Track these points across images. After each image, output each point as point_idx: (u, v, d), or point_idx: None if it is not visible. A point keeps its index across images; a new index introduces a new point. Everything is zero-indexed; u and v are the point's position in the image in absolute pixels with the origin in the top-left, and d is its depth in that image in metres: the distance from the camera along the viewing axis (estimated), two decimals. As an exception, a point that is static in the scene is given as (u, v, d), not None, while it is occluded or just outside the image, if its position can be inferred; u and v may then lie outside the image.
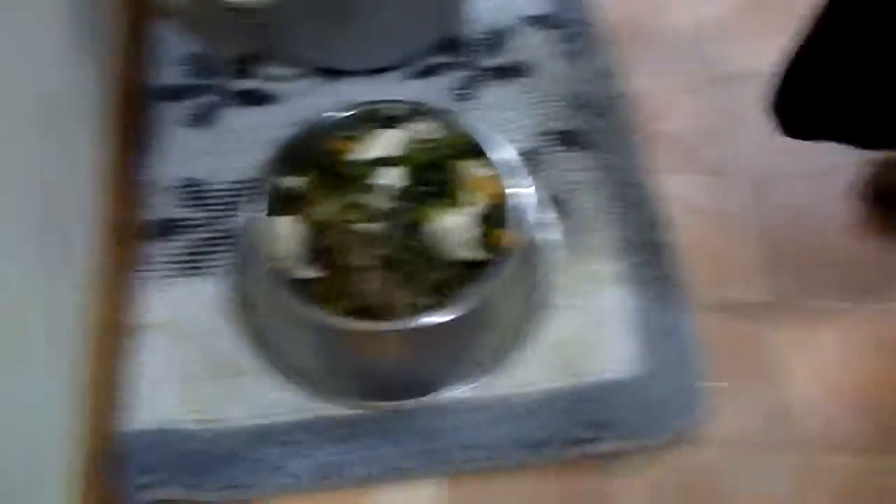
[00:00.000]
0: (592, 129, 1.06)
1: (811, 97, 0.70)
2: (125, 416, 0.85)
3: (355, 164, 0.87)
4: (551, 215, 0.99)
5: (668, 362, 0.88)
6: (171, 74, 1.11)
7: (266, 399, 0.87)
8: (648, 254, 0.96)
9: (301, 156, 0.93)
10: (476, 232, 0.85)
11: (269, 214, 0.89)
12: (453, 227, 0.83)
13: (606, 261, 0.95)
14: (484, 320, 0.86)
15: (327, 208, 0.87)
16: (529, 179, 0.91)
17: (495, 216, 0.88)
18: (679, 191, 1.03)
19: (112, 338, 0.88)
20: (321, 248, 0.86)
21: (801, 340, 0.93)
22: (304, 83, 1.11)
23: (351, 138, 0.91)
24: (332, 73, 1.11)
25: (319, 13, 1.06)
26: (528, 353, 0.89)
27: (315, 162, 0.92)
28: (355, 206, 0.86)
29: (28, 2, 0.81)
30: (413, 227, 0.84)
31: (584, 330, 0.90)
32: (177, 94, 1.10)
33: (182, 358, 0.89)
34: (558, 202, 1.00)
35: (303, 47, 1.11)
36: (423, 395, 0.86)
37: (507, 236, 0.85)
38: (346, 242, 0.85)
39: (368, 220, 0.84)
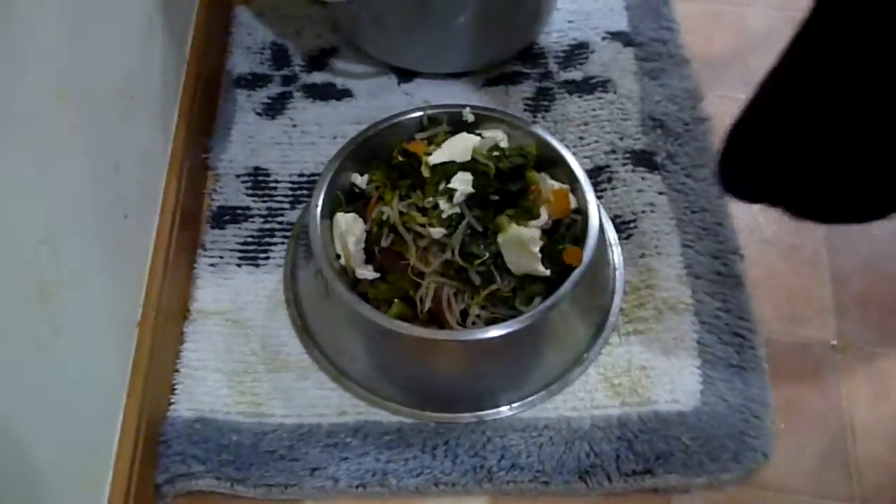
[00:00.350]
0: (666, 151, 1.03)
1: (750, 161, 0.65)
2: (175, 400, 0.85)
3: (426, 165, 0.85)
4: (618, 236, 0.96)
5: (730, 398, 0.84)
6: (247, 62, 1.12)
7: (313, 398, 0.86)
8: (717, 284, 0.92)
9: (370, 153, 0.93)
10: (542, 246, 0.83)
11: (333, 210, 0.89)
12: (523, 238, 0.81)
13: (673, 288, 0.92)
14: (545, 338, 0.84)
15: (392, 208, 0.86)
16: (598, 197, 0.88)
17: (564, 231, 0.87)
18: (751, 222, 1.00)
19: (170, 322, 0.88)
20: (382, 248, 0.86)
21: (869, 388, 0.88)
22: (379, 81, 1.10)
23: (423, 140, 0.90)
24: (407, 74, 1.10)
25: (400, 11, 1.05)
26: (587, 376, 0.86)
27: (384, 160, 0.91)
28: (421, 209, 0.85)
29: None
30: (480, 235, 0.82)
31: (647, 357, 0.87)
32: (252, 82, 1.10)
33: (234, 348, 0.89)
34: (626, 223, 0.97)
35: (380, 45, 1.10)
36: (476, 409, 0.84)
37: (576, 253, 0.83)
38: (409, 244, 0.84)
39: (434, 224, 0.83)
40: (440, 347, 0.81)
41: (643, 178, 1.01)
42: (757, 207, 1.01)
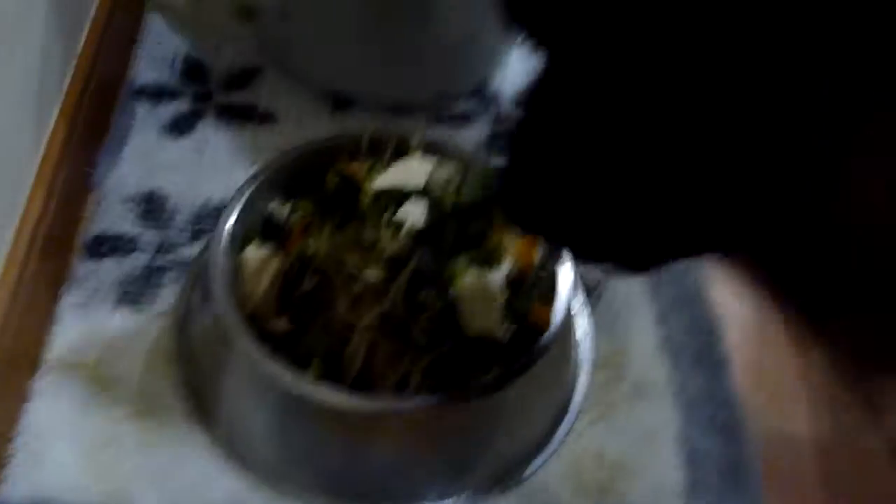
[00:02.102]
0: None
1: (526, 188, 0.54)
2: (8, 477, 0.63)
3: (366, 192, 0.69)
4: (582, 300, 0.81)
5: (719, 496, 0.69)
6: (153, 72, 0.94)
7: (198, 482, 0.66)
8: (698, 365, 0.78)
9: (294, 180, 0.76)
10: (502, 301, 0.68)
11: (243, 244, 0.71)
12: (483, 290, 0.65)
13: (648, 365, 0.77)
14: (501, 417, 0.67)
15: (317, 243, 0.69)
16: (565, 254, 0.74)
17: (526, 286, 0.71)
18: (731, 301, 0.87)
19: (12, 372, 0.67)
20: (302, 292, 0.68)
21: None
22: (308, 107, 0.94)
23: (362, 163, 0.74)
24: (343, 102, 0.95)
25: (342, 29, 0.90)
26: (548, 470, 0.69)
27: (311, 187, 0.74)
28: (356, 245, 0.68)
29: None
30: (429, 282, 0.66)
31: (621, 447, 0.71)
32: (156, 95, 0.92)
33: (97, 412, 0.68)
34: (590, 286, 0.83)
35: (314, 66, 0.95)
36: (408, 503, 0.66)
37: (545, 313, 0.67)
38: (336, 289, 0.66)
39: (372, 265, 0.66)
40: (371, 420, 0.63)
41: (611, 238, 0.87)
42: (733, 281, 0.89)
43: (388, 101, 0.95)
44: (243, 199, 0.72)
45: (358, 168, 0.72)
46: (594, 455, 0.71)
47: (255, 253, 0.69)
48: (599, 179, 0.45)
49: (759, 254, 0.45)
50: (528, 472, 0.69)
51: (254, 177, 0.74)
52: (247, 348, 0.63)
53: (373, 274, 0.65)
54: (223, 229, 0.69)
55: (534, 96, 0.47)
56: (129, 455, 0.66)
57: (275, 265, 0.70)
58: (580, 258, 0.62)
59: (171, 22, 1.00)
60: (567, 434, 0.72)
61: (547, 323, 0.67)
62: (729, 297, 0.86)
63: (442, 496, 0.67)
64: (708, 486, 0.70)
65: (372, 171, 0.72)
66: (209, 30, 1.00)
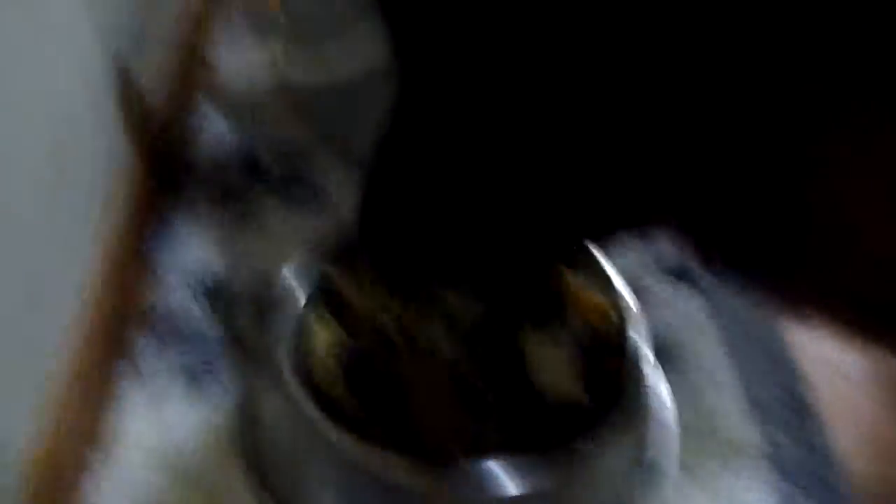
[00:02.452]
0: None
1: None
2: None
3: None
4: (657, 363, 0.77)
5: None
6: (209, 156, 0.95)
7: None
8: (787, 421, 0.73)
9: (353, 250, 0.74)
10: (577, 366, 0.64)
11: (303, 315, 0.69)
12: (557, 355, 0.62)
13: (733, 426, 0.72)
14: (582, 487, 0.62)
15: (382, 312, 0.66)
16: (640, 309, 0.70)
17: (601, 348, 0.67)
18: (816, 350, 0.82)
19: (74, 460, 0.65)
20: (363, 361, 0.65)
21: None
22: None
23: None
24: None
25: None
26: (638, 539, 0.64)
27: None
28: (422, 313, 0.65)
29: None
30: (499, 350, 0.63)
31: (717, 514, 0.66)
32: (212, 178, 0.93)
33: (161, 498, 0.65)
34: (667, 348, 0.79)
35: (362, 146, 0.95)
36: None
37: (619, 373, 0.63)
38: (402, 358, 0.64)
39: (438, 334, 0.64)
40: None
41: (686, 297, 0.84)
42: (817, 334, 0.83)
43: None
44: (302, 274, 0.71)
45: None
46: (688, 524, 0.65)
47: (316, 318, 0.67)
48: (449, 214, 0.44)
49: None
50: (616, 544, 0.64)
51: (310, 249, 0.73)
52: (324, 428, 0.59)
53: (440, 340, 0.63)
54: (287, 303, 0.68)
55: (382, 138, 0.47)
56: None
57: (337, 334, 0.67)
58: (445, 285, 0.60)
59: (227, 106, 1.01)
60: (655, 500, 0.67)
61: (625, 385, 0.63)
62: (816, 356, 0.81)
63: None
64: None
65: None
66: (262, 113, 1.02)
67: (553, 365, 0.63)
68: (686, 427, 0.72)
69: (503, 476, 0.58)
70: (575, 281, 0.69)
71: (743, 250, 0.40)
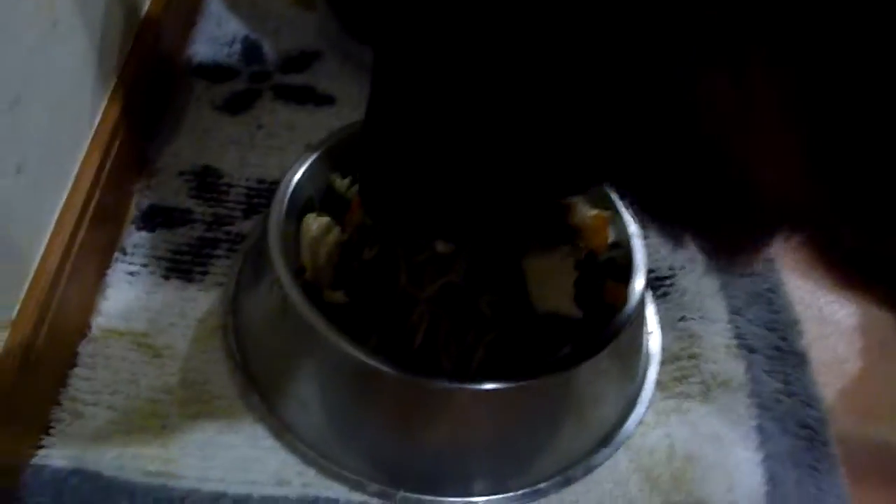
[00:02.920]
0: (706, 203, 0.86)
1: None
2: (47, 442, 0.60)
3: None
4: (651, 293, 0.77)
5: (799, 499, 0.64)
6: (212, 52, 0.93)
7: (243, 458, 0.62)
8: (776, 361, 0.73)
9: (354, 154, 0.73)
10: (572, 281, 0.64)
11: (302, 213, 0.68)
12: (554, 267, 0.61)
13: (723, 360, 0.72)
14: (568, 403, 0.62)
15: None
16: (639, 234, 0.70)
17: (598, 267, 0.67)
18: (806, 295, 0.82)
19: (58, 336, 0.64)
20: (362, 262, 0.65)
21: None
22: (366, 90, 0.92)
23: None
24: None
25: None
26: (616, 462, 0.65)
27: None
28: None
29: None
30: (500, 267, 0.63)
31: (694, 444, 0.66)
32: (214, 73, 0.91)
33: (143, 381, 0.65)
34: (661, 279, 0.79)
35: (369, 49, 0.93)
36: (467, 493, 0.61)
37: (619, 290, 0.63)
38: (398, 259, 0.63)
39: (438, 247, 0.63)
40: (431, 397, 0.59)
41: (680, 231, 0.83)
42: (813, 279, 0.84)
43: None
44: (302, 170, 0.69)
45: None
46: (665, 449, 0.66)
47: (315, 220, 0.67)
48: (442, 163, 0.46)
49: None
50: (593, 463, 0.65)
51: (313, 149, 0.71)
52: (305, 314, 0.59)
53: (440, 244, 0.62)
54: (283, 197, 0.67)
55: (371, 99, 0.49)
56: (174, 427, 0.63)
57: (334, 235, 0.67)
58: (447, 239, 0.61)
59: (231, 5, 0.99)
60: (637, 426, 0.67)
61: (622, 301, 0.63)
62: (807, 293, 0.81)
63: (500, 488, 0.62)
64: (786, 485, 0.65)
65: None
66: (268, 14, 0.99)
67: (550, 281, 0.62)
68: (670, 354, 0.72)
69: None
70: (583, 209, 0.69)
71: (671, 203, 0.44)
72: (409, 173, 0.49)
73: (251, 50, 0.94)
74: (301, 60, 0.94)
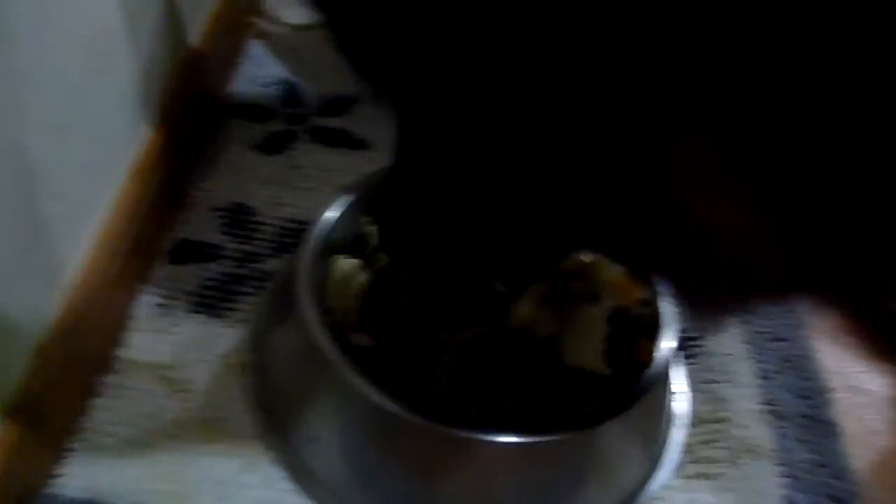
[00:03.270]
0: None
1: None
2: (63, 472, 0.60)
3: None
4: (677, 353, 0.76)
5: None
6: (252, 94, 0.95)
7: (259, 499, 0.61)
8: (806, 430, 0.71)
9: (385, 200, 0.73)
10: (602, 336, 0.63)
11: (331, 254, 0.68)
12: (586, 322, 0.61)
13: (751, 426, 0.70)
14: (592, 458, 0.61)
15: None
16: (668, 292, 0.69)
17: (628, 324, 0.66)
18: (838, 365, 0.80)
19: (80, 366, 0.64)
20: (390, 305, 0.64)
21: None
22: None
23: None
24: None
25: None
26: (643, 525, 0.63)
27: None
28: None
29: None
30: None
31: (722, 508, 0.64)
32: (253, 113, 0.92)
33: (163, 415, 0.65)
34: (687, 340, 0.77)
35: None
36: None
37: (649, 349, 0.62)
38: (429, 306, 0.63)
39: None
40: (453, 447, 0.58)
41: (710, 292, 0.82)
42: (845, 347, 0.82)
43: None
44: (336, 211, 0.70)
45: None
46: (691, 515, 0.64)
47: (343, 262, 0.66)
48: (462, 209, 0.47)
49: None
50: (618, 527, 0.63)
51: (347, 190, 0.72)
52: (329, 356, 0.59)
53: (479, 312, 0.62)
54: (314, 236, 0.67)
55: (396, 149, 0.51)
56: (192, 463, 0.62)
57: (362, 278, 0.67)
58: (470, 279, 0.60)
59: (273, 49, 1.01)
60: (661, 489, 0.65)
61: (652, 361, 0.62)
62: (839, 361, 0.79)
63: (520, 544, 0.61)
64: (819, 562, 0.63)
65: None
66: (308, 59, 1.01)
67: (584, 335, 0.62)
68: (697, 417, 0.71)
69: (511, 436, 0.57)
70: (613, 265, 0.68)
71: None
72: (426, 215, 0.51)
73: (290, 92, 0.96)
74: (338, 105, 0.95)
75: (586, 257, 0.69)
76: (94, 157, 0.66)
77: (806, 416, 0.72)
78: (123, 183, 0.72)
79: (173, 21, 0.80)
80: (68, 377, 0.61)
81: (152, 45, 0.76)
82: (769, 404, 0.73)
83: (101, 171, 0.68)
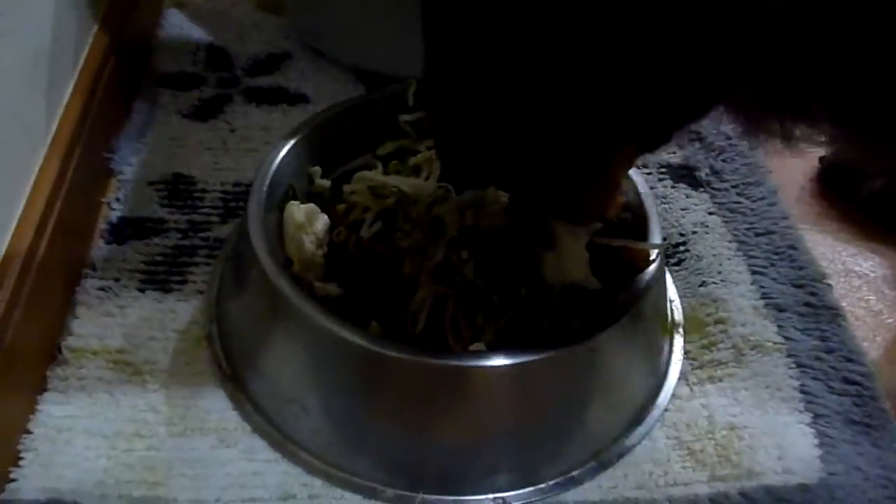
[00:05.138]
0: (710, 167, 0.81)
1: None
2: (19, 474, 0.54)
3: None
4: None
5: (863, 465, 0.58)
6: (175, 61, 0.88)
7: (241, 473, 0.56)
8: (808, 318, 0.68)
9: (334, 145, 0.68)
10: (583, 245, 0.58)
11: (283, 202, 0.63)
12: (567, 234, 0.56)
13: (752, 322, 0.67)
14: (593, 375, 0.56)
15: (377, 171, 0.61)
16: (650, 194, 0.65)
17: (613, 229, 0.62)
18: (828, 250, 0.77)
19: (23, 364, 0.58)
20: (359, 241, 0.59)
21: None
22: (340, 87, 0.87)
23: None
24: (380, 79, 0.87)
25: (371, 6, 0.84)
26: (653, 441, 0.59)
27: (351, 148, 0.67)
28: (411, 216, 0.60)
29: None
30: (508, 250, 0.58)
31: (735, 412, 0.60)
32: (179, 83, 0.86)
33: (123, 401, 0.59)
34: (674, 245, 0.73)
35: (348, 47, 0.88)
36: (495, 489, 0.55)
37: (641, 251, 0.58)
38: (403, 234, 0.58)
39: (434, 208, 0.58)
40: (442, 379, 0.53)
41: (687, 196, 0.78)
42: (832, 233, 0.79)
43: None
44: (280, 157, 0.64)
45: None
46: (705, 422, 0.60)
47: (298, 208, 0.61)
48: (509, 126, 0.45)
49: None
50: (629, 444, 0.58)
51: (289, 136, 0.66)
52: (298, 306, 0.54)
53: (448, 214, 0.57)
54: (261, 185, 0.61)
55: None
56: (161, 447, 0.56)
57: (322, 222, 0.61)
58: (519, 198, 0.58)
59: (192, 15, 0.95)
60: (670, 400, 0.61)
61: (644, 258, 0.57)
62: (828, 248, 0.76)
63: (529, 479, 0.56)
64: (840, 446, 0.59)
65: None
66: (232, 21, 0.95)
67: (566, 250, 0.57)
68: (695, 322, 0.67)
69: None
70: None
71: None
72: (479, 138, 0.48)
73: (216, 56, 0.90)
74: (270, 63, 0.90)
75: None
76: (5, 135, 0.60)
77: (806, 304, 0.69)
78: (43, 162, 0.65)
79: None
80: (12, 374, 0.55)
81: (57, 11, 0.69)
82: (767, 298, 0.69)
83: (15, 151, 0.62)
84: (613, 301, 0.57)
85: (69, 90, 0.71)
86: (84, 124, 0.71)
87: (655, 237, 0.59)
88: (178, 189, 0.74)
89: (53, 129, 0.68)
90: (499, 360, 0.52)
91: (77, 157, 0.69)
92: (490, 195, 0.60)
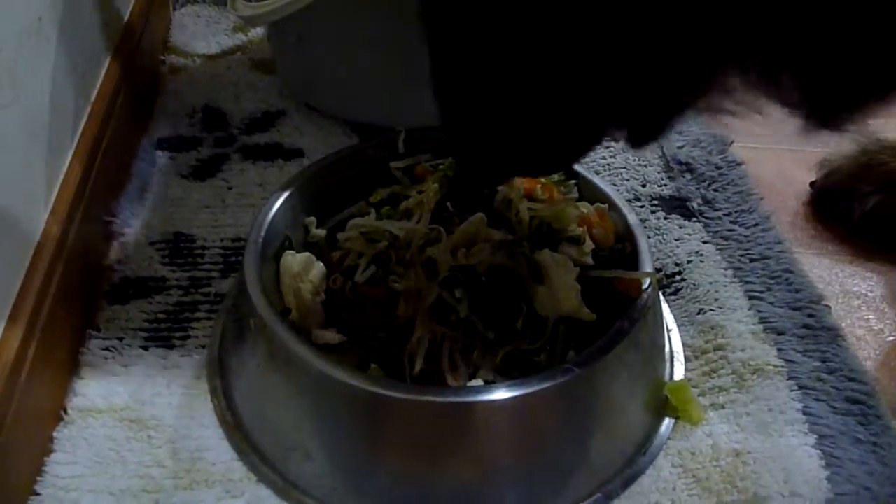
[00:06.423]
0: (701, 196, 0.82)
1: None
2: (27, 539, 0.54)
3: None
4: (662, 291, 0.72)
5: (871, 485, 0.57)
6: (172, 126, 0.91)
7: (249, 524, 0.56)
8: (808, 340, 0.68)
9: (327, 193, 0.70)
10: (574, 277, 0.59)
11: (279, 253, 0.64)
12: (560, 266, 0.57)
13: (752, 347, 0.67)
14: (594, 403, 0.57)
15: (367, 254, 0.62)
16: (640, 224, 0.66)
17: (605, 261, 0.63)
18: (824, 273, 0.78)
19: (30, 425, 0.58)
20: (355, 287, 0.60)
21: None
22: (334, 140, 0.89)
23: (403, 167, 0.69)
24: (370, 133, 0.89)
25: (360, 59, 0.86)
26: (657, 470, 0.59)
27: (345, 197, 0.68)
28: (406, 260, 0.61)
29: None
30: (502, 285, 0.59)
31: (739, 438, 0.60)
32: (177, 144, 0.88)
33: (130, 458, 0.59)
34: (670, 276, 0.74)
35: (339, 100, 0.91)
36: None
37: (632, 281, 0.58)
38: (400, 277, 0.59)
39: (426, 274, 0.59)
40: (450, 418, 0.53)
41: (680, 227, 0.79)
42: (828, 255, 0.79)
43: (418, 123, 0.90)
44: (275, 208, 0.66)
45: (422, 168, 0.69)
46: (708, 449, 0.60)
47: (294, 258, 0.62)
48: (513, 104, 0.47)
49: None
50: (633, 473, 0.58)
51: (283, 188, 0.68)
52: (297, 353, 0.54)
53: (440, 254, 0.58)
54: (257, 237, 0.63)
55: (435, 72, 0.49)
56: (170, 500, 0.57)
57: (318, 270, 0.62)
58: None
59: (188, 80, 0.98)
60: (673, 428, 0.61)
61: (636, 288, 0.58)
62: (824, 270, 0.77)
63: (539, 512, 0.56)
64: (848, 466, 0.59)
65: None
66: (227, 82, 0.98)
67: (556, 280, 0.58)
68: (694, 349, 0.67)
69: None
70: (578, 206, 0.65)
71: None
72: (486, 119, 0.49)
73: (213, 117, 0.92)
74: (265, 120, 0.92)
75: (552, 203, 0.66)
76: (7, 204, 0.61)
77: (805, 326, 0.69)
78: (44, 227, 0.67)
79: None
80: (19, 436, 0.56)
81: (55, 81, 0.71)
82: (765, 322, 0.69)
83: (18, 217, 0.63)
84: (608, 331, 0.57)
85: (68, 157, 0.73)
86: (84, 190, 0.73)
87: (646, 266, 0.60)
88: (178, 247, 0.76)
89: (54, 196, 0.70)
90: (500, 394, 0.52)
91: (77, 223, 0.70)
92: (482, 233, 0.61)
